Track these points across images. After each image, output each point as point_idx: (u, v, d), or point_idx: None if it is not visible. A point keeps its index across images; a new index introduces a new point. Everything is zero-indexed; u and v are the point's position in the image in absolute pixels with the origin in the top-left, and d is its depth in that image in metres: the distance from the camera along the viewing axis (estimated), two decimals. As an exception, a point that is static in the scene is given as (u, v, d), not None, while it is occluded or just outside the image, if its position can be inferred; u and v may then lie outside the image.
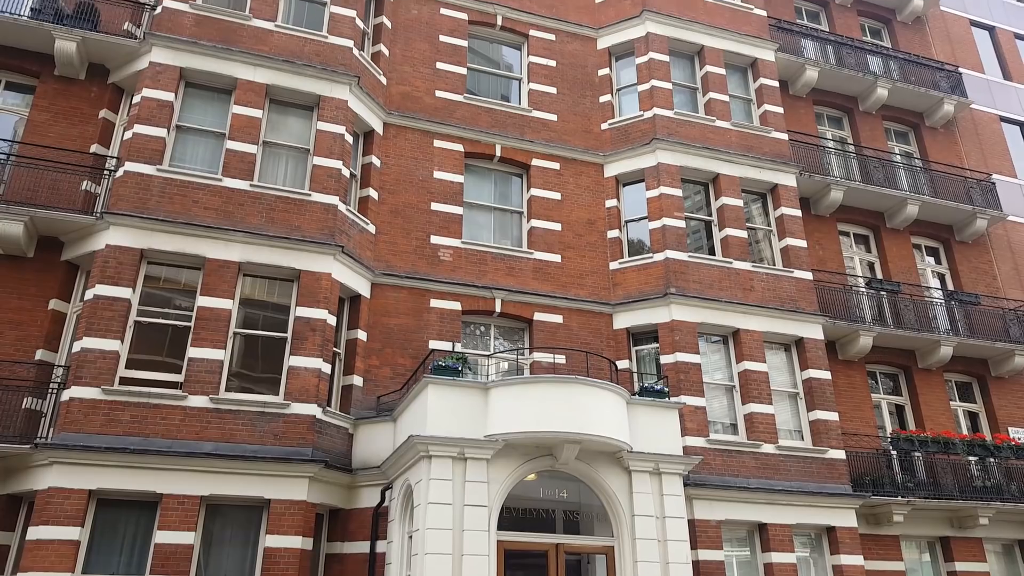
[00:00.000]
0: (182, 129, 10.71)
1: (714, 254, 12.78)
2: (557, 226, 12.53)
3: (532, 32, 13.96)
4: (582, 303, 12.05)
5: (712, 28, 14.35)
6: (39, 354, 9.33)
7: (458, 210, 12.10)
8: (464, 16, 13.62)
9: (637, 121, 13.32)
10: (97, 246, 9.59)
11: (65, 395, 8.69)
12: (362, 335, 10.74)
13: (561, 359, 11.12)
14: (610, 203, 13.03)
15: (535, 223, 12.48)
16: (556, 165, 13.01)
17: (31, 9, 10.94)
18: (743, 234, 12.88)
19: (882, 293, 13.89)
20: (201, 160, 10.65)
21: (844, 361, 13.42)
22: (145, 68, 10.67)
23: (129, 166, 9.99)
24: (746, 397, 11.71)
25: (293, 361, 9.74)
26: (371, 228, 11.48)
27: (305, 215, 10.59)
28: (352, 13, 12.08)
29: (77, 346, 8.98)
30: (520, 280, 11.90)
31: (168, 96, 10.55)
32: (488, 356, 11.20)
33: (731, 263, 12.53)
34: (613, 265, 12.55)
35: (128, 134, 10.33)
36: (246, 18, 11.39)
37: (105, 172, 10.28)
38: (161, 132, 10.33)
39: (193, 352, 9.33)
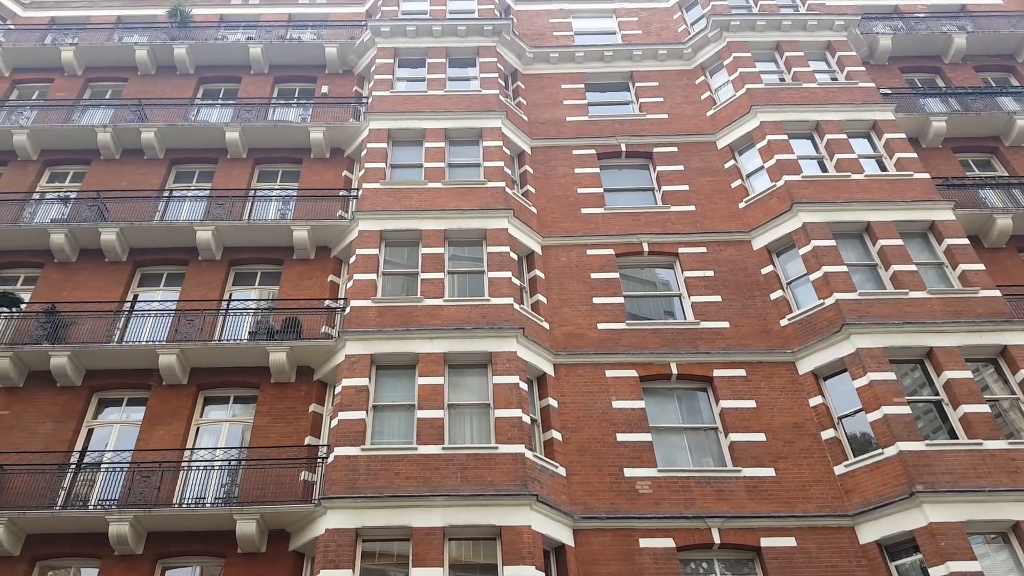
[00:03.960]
0: (378, 408, 13.57)
1: (956, 437, 12.83)
2: (760, 436, 13.44)
3: (681, 250, 16.48)
4: (814, 519, 12.36)
5: (873, 203, 16.09)
6: (273, 648, 11.24)
7: (646, 437, 13.52)
8: (611, 251, 16.52)
9: (819, 310, 14.64)
10: (318, 532, 11.90)
11: None
12: (575, 590, 11.70)
13: (807, 588, 11.23)
14: (814, 401, 13.87)
15: (734, 437, 13.49)
16: (741, 372, 14.36)
17: (249, 332, 15.09)
18: (985, 408, 12.97)
19: None
20: (397, 433, 13.26)
21: None
22: (342, 361, 14.00)
23: (338, 451, 12.70)
24: (1059, 606, 10.83)
25: (510, 627, 10.83)
26: (561, 471, 13.07)
27: (495, 468, 12.48)
28: (507, 274, 15.26)
29: (309, 635, 10.80)
30: (734, 504, 12.59)
31: (363, 382, 13.62)
32: (719, 597, 11.58)
33: (981, 444, 12.49)
34: (839, 469, 12.94)
35: (334, 422, 13.28)
36: (419, 300, 14.83)
37: (318, 460, 13.08)
38: (361, 415, 13.18)
39: (415, 628, 10.78)
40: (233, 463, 13.16)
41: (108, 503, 12.62)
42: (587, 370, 14.58)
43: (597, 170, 18.26)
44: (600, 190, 17.82)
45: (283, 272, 16.43)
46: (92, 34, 21.82)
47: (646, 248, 16.56)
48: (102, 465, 13.39)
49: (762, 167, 17.48)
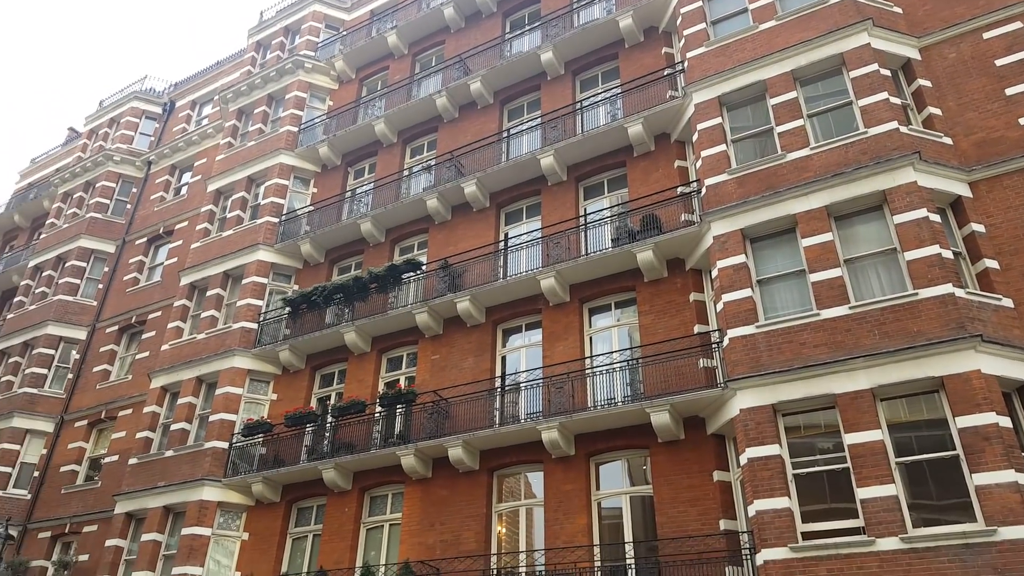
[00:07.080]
0: (763, 282, 13.41)
1: None
2: None
3: None
4: None
5: None
6: (722, 524, 12.09)
7: None
8: (1017, 25, 13.77)
9: None
10: (732, 413, 12.36)
11: (758, 559, 10.94)
12: (1057, 432, 10.34)
13: None
14: None
15: None
16: None
17: (611, 240, 16.04)
18: None
19: None
20: (791, 303, 12.96)
21: None
22: (711, 244, 14.10)
23: (731, 333, 12.92)
24: None
25: (978, 479, 10.04)
26: (1007, 302, 11.59)
27: (919, 316, 11.48)
28: (882, 95, 13.63)
29: (751, 510, 11.37)
30: None
31: (740, 259, 13.55)
32: None
33: None
34: None
35: (719, 306, 13.51)
36: (780, 157, 14.11)
37: (713, 346, 13.51)
38: (746, 293, 13.17)
39: (863, 493, 10.62)
40: (632, 362, 14.29)
41: (535, 415, 14.84)
42: (1018, 178, 12.62)
43: (969, -70, 15.24)
44: (980, -47, 14.88)
45: (628, 172, 17.05)
46: (404, 12, 24.86)
47: (1068, 3, 13.45)
48: (521, 385, 15.75)
49: None
